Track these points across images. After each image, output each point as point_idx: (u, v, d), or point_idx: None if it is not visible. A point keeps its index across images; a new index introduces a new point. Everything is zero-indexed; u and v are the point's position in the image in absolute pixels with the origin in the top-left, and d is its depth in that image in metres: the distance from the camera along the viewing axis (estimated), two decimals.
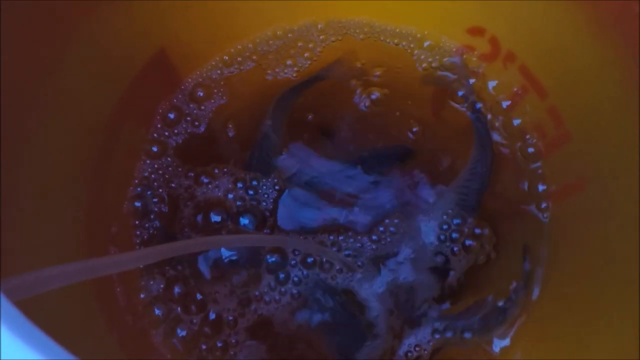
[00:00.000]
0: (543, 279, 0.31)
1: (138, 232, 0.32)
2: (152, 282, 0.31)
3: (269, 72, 0.35)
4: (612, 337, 0.25)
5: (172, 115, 0.34)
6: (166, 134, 0.33)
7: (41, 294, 0.14)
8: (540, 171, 0.33)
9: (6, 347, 0.12)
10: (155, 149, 0.33)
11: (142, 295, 0.31)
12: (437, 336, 0.31)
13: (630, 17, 0.23)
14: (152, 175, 0.32)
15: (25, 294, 0.13)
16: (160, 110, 0.34)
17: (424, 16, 0.35)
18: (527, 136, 0.33)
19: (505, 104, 0.34)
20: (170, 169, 0.33)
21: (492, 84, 0.34)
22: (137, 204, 0.32)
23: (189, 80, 0.34)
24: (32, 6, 0.22)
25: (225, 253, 0.32)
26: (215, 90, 0.35)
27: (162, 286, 0.31)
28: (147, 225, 0.32)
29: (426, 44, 0.36)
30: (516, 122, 0.34)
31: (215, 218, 0.32)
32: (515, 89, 0.33)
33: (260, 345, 0.30)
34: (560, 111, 0.30)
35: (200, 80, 0.35)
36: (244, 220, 0.32)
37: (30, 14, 0.22)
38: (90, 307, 0.27)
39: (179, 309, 0.31)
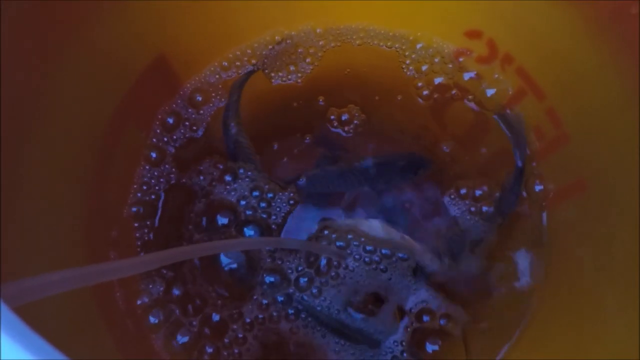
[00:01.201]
0: (542, 280, 0.32)
1: (138, 235, 0.32)
2: (151, 286, 0.31)
3: (272, 75, 0.35)
4: (612, 338, 0.25)
5: (171, 120, 0.34)
6: (165, 139, 0.33)
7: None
8: (539, 172, 0.33)
9: (6, 351, 0.12)
10: (154, 154, 0.33)
11: (141, 299, 0.31)
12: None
13: (628, 18, 0.23)
14: (152, 180, 0.32)
15: (24, 300, 0.13)
16: (160, 116, 0.34)
17: (421, 20, 0.35)
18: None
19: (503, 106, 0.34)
20: (173, 170, 0.33)
21: (489, 86, 0.35)
22: (137, 208, 0.32)
23: (188, 85, 0.35)
24: (31, 7, 0.22)
25: (224, 261, 0.32)
26: (213, 95, 0.35)
27: (161, 289, 0.31)
28: (147, 229, 0.32)
29: (419, 45, 0.36)
30: None
31: (222, 221, 0.32)
32: (513, 91, 0.33)
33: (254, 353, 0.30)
34: (558, 113, 0.30)
35: (199, 84, 0.35)
36: (249, 232, 0.32)
37: (29, 16, 0.22)
38: (90, 310, 0.26)
39: (177, 311, 0.31)
